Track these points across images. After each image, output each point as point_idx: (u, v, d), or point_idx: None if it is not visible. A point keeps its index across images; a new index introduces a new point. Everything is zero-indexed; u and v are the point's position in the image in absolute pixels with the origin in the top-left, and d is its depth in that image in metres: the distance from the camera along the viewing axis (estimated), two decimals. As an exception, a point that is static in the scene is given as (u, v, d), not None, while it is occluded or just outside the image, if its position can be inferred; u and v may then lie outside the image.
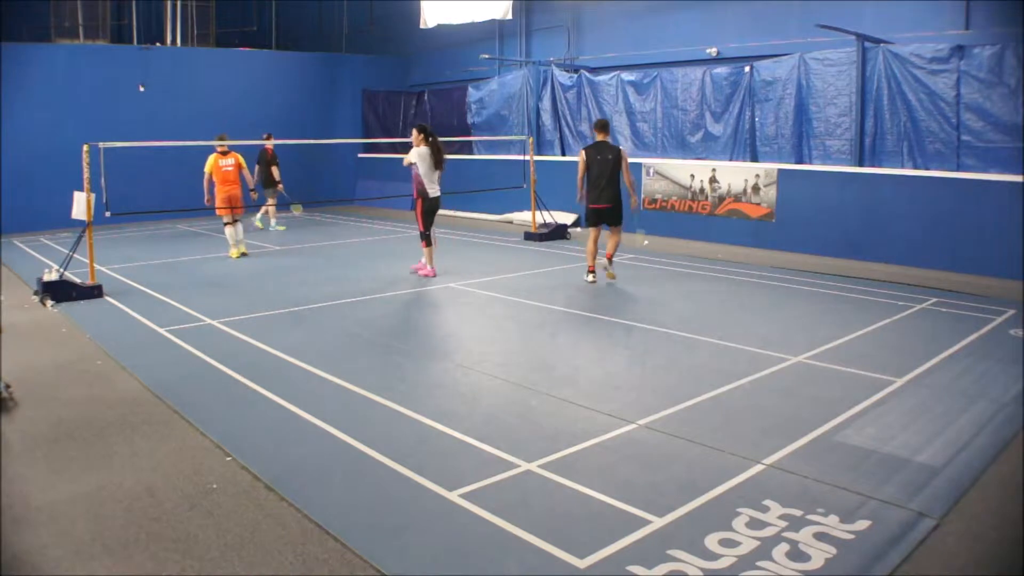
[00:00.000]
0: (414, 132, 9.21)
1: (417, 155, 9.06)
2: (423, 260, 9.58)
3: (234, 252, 11.20)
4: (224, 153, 11.15)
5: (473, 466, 4.10)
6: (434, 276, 9.39)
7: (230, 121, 16.48)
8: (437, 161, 9.12)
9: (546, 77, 15.72)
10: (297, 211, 14.48)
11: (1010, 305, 7.84)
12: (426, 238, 9.38)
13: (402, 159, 9.47)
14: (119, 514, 3.63)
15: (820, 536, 3.36)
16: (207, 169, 11.12)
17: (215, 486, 3.93)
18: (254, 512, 3.66)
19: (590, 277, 9.00)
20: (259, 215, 14.76)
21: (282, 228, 14.50)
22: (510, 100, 16.40)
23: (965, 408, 4.95)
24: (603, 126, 8.92)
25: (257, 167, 13.85)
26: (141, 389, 5.45)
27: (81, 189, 8.75)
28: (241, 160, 11.33)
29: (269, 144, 13.89)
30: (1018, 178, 9.32)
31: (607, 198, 8.66)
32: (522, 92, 16.08)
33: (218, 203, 11.05)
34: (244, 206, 11.25)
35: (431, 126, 9.56)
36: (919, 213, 10.22)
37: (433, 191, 9.21)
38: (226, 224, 11.16)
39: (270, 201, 14.28)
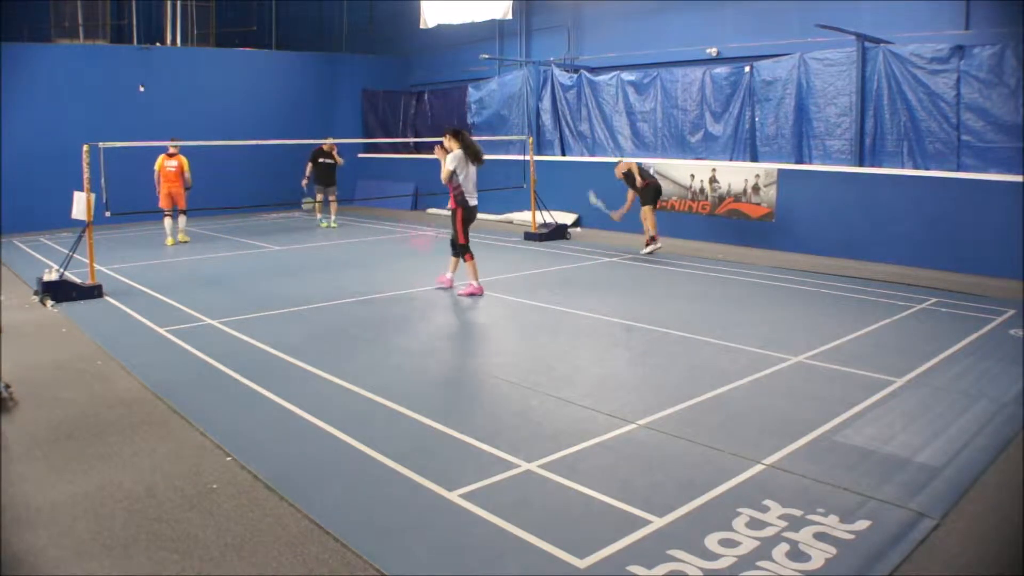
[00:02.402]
0: (447, 137, 8.43)
1: (454, 159, 8.24)
2: (448, 275, 8.77)
3: (169, 240, 12.70)
4: (171, 155, 12.47)
5: (473, 466, 4.10)
6: (480, 293, 8.43)
7: (230, 121, 16.53)
8: (474, 155, 8.29)
9: (546, 77, 15.72)
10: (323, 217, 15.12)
11: (1010, 305, 7.84)
12: (465, 251, 8.48)
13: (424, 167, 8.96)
14: (119, 514, 3.63)
15: (820, 536, 3.36)
16: (156, 168, 12.46)
17: (215, 486, 3.93)
18: (254, 512, 3.65)
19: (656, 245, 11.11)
20: (324, 216, 15.18)
21: (324, 225, 14.82)
22: (510, 100, 16.40)
23: (965, 408, 4.95)
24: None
25: None
26: (141, 389, 5.45)
27: (81, 189, 8.75)
28: (184, 163, 12.51)
29: (323, 143, 14.68)
30: (1018, 178, 9.32)
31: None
32: (522, 92, 16.08)
33: (160, 199, 12.51)
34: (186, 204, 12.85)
35: (460, 128, 8.74)
36: (919, 213, 10.22)
37: (472, 200, 8.45)
38: (165, 216, 12.69)
39: (318, 197, 14.89)
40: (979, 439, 4.45)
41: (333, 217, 15.09)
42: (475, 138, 17.58)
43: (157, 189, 12.47)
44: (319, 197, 14.92)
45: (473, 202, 8.51)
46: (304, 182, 14.82)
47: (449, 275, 8.86)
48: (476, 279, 8.50)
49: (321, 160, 14.68)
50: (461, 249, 8.55)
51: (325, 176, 14.75)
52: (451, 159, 8.29)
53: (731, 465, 4.08)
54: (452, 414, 4.89)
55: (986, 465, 4.11)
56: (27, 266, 10.55)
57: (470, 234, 8.63)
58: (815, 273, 9.73)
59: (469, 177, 8.42)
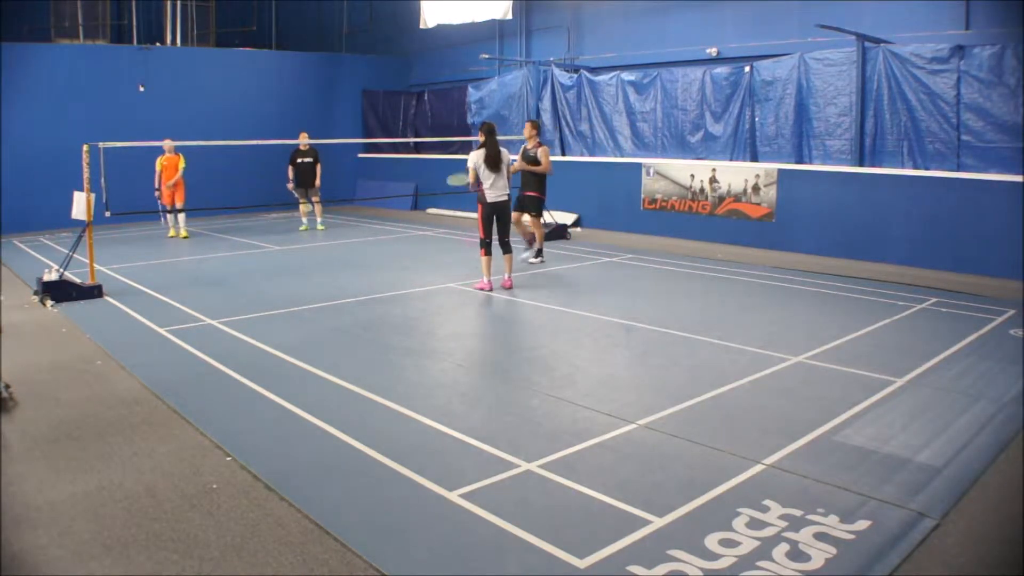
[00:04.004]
0: (481, 133, 8.57)
1: (472, 159, 8.42)
2: (505, 276, 8.80)
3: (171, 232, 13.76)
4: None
5: (473, 466, 4.10)
6: (490, 289, 8.58)
7: (230, 121, 16.53)
8: (490, 162, 8.34)
9: (546, 77, 15.72)
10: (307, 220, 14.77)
11: (1010, 305, 7.84)
12: (486, 246, 8.58)
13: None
14: (119, 514, 3.63)
15: (820, 536, 3.36)
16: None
17: (215, 486, 3.92)
18: (254, 512, 3.65)
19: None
20: (310, 218, 14.87)
21: (303, 229, 14.44)
22: (510, 100, 16.40)
23: (965, 408, 4.95)
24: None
25: None
26: (141, 389, 5.45)
27: (81, 189, 8.75)
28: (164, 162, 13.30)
29: (299, 142, 14.31)
30: (1018, 178, 9.33)
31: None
32: (522, 92, 16.08)
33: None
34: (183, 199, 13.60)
35: (494, 124, 8.88)
36: (919, 213, 10.23)
37: (491, 195, 8.44)
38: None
39: (302, 200, 14.51)
40: (979, 439, 4.46)
41: (319, 220, 14.69)
42: (475, 138, 17.47)
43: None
44: (303, 200, 14.38)
45: (493, 199, 8.49)
46: (289, 186, 14.33)
47: (506, 276, 8.83)
48: (488, 275, 8.64)
49: (300, 160, 14.20)
50: (480, 243, 8.70)
51: (306, 177, 14.19)
52: (472, 157, 8.45)
53: (731, 465, 4.08)
54: (452, 414, 4.89)
55: (986, 465, 4.11)
56: (27, 266, 10.54)
57: (506, 231, 8.76)
58: (815, 273, 9.73)
59: (488, 175, 8.41)
